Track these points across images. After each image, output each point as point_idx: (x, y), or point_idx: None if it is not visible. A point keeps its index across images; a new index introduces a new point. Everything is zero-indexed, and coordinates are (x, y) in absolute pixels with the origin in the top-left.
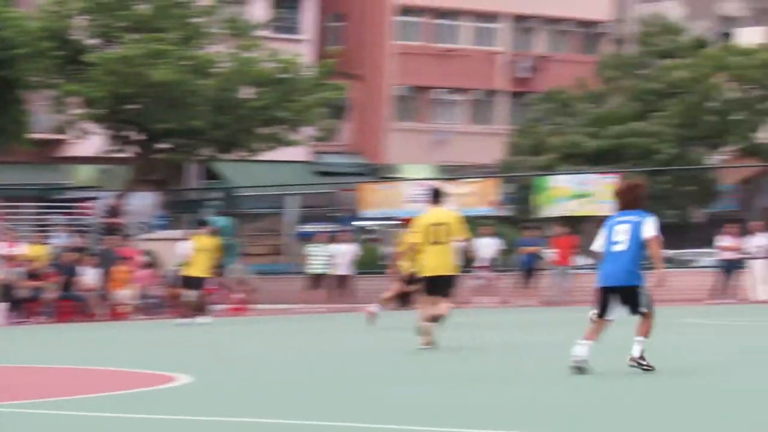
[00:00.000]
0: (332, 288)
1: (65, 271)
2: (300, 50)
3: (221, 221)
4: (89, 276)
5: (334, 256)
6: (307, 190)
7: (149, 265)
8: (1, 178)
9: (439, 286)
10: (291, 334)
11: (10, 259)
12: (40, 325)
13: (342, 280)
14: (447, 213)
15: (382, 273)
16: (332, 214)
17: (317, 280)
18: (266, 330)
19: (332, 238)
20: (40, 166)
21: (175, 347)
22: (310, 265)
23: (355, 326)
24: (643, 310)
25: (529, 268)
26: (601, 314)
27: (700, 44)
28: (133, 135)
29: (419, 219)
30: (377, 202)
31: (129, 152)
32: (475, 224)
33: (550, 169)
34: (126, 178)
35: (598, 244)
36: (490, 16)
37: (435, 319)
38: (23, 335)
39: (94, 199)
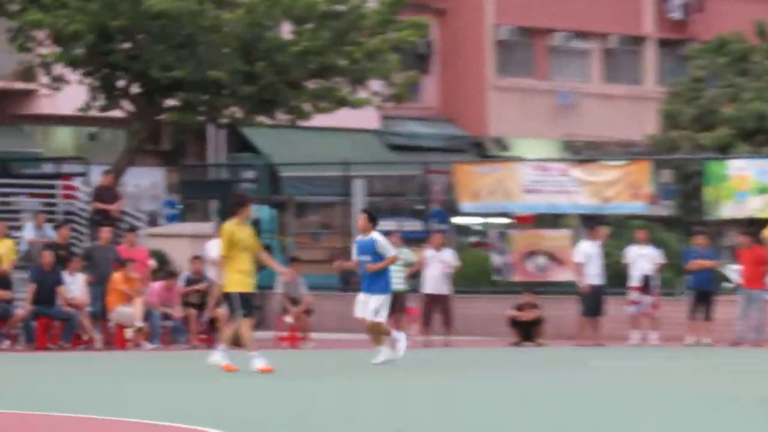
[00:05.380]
0: (422, 312)
1: (41, 277)
2: None
3: (258, 212)
4: (76, 285)
5: (420, 267)
6: (378, 170)
7: (157, 271)
8: None
9: None
10: (364, 380)
11: None
12: (9, 353)
13: (432, 301)
14: None
15: (492, 292)
16: (416, 206)
17: (395, 300)
18: (330, 371)
19: (417, 240)
20: None
21: (209, 396)
22: None
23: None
24: None
25: (703, 292)
26: None
27: None
28: (129, 87)
29: None
30: (480, 190)
31: (124, 111)
32: (623, 227)
33: (725, 150)
34: (121, 147)
35: None
36: None
37: None
38: None
39: (76, 175)
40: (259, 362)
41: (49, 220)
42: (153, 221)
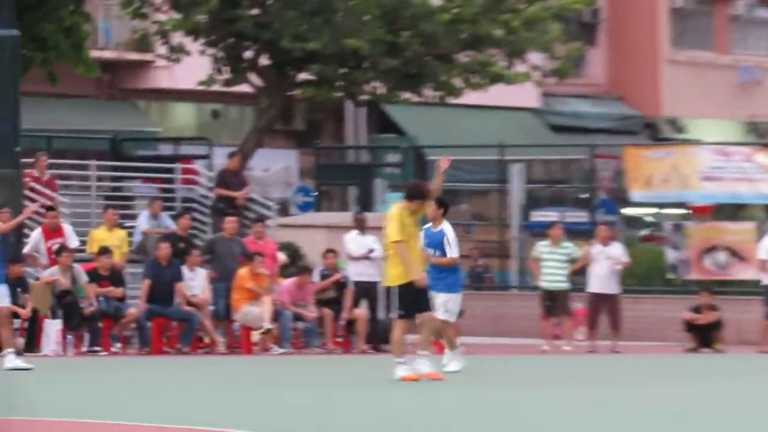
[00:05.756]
0: (587, 313)
1: (157, 272)
2: None
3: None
4: (196, 281)
5: (585, 263)
6: (538, 154)
7: (288, 266)
8: (48, 121)
9: None
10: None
11: (62, 252)
12: (120, 357)
13: (598, 301)
14: None
15: (666, 291)
16: (580, 194)
17: (555, 300)
18: (480, 379)
19: (581, 233)
20: (109, 105)
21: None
22: (544, 276)
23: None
24: None
25: None
26: None
27: None
28: (257, 58)
29: None
30: (652, 177)
31: (251, 86)
32: None
33: None
34: (248, 126)
35: None
36: None
37: None
38: (96, 375)
39: (197, 157)
40: (404, 370)
41: (167, 208)
42: (284, 210)
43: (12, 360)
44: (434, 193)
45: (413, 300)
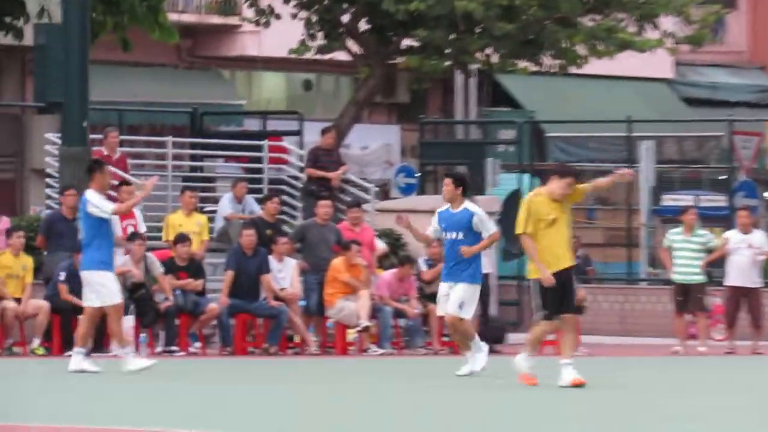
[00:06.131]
0: (726, 309)
1: (242, 262)
2: None
3: (517, 183)
4: (285, 273)
5: (723, 253)
6: (671, 130)
7: (388, 256)
8: (120, 92)
9: None
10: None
11: (134, 239)
12: (200, 358)
13: (738, 296)
14: None
15: None
16: (718, 176)
17: (688, 294)
18: (608, 385)
19: (719, 219)
20: (189, 74)
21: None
22: (677, 268)
23: None
24: None
25: None
26: None
27: None
28: (355, 22)
29: None
30: None
31: (348, 53)
32: None
33: None
34: (344, 99)
35: None
36: None
37: None
38: (173, 378)
39: (287, 134)
40: (571, 374)
41: (252, 191)
42: (384, 193)
43: (79, 362)
44: (602, 184)
45: (557, 298)
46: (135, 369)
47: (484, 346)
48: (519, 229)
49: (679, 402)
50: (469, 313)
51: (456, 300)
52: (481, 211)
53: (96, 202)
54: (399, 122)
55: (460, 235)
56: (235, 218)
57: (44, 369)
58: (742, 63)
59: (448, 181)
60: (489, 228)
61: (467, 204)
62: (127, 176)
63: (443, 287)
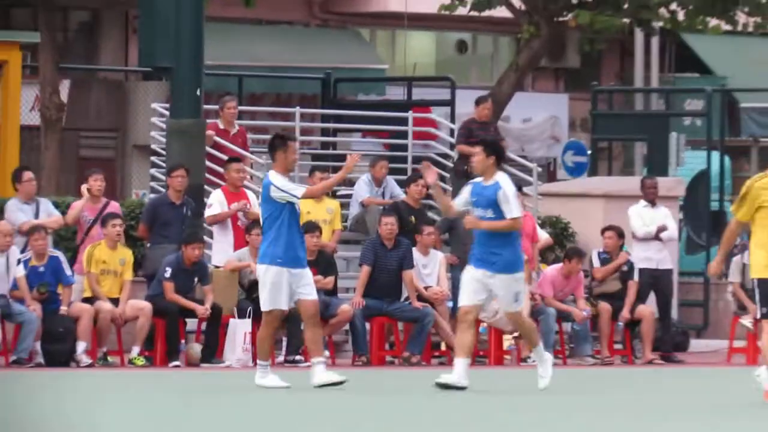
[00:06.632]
0: None
1: (380, 255)
2: None
3: (708, 160)
4: (432, 269)
5: None
6: None
7: (553, 248)
8: (241, 55)
9: None
10: None
11: (251, 228)
12: (329, 369)
13: None
14: None
15: None
16: None
17: None
18: None
19: None
20: (321, 34)
21: None
22: None
23: None
24: None
25: None
26: None
27: None
28: None
29: None
30: None
31: (509, 9)
32: None
33: None
34: (503, 63)
35: None
36: None
37: None
38: (298, 393)
39: (436, 104)
40: None
41: (394, 171)
42: (549, 174)
43: (273, 380)
44: None
45: None
46: (320, 383)
47: (549, 356)
48: (732, 209)
49: None
50: (522, 302)
51: (507, 297)
52: (511, 188)
53: (280, 185)
54: (567, 91)
55: (489, 212)
56: (374, 203)
57: (143, 382)
58: None
59: (478, 149)
60: (511, 210)
61: (498, 176)
62: (246, 153)
63: (474, 273)
